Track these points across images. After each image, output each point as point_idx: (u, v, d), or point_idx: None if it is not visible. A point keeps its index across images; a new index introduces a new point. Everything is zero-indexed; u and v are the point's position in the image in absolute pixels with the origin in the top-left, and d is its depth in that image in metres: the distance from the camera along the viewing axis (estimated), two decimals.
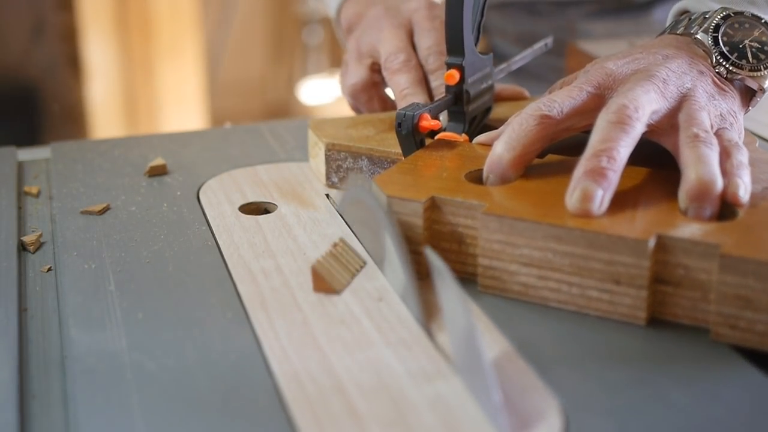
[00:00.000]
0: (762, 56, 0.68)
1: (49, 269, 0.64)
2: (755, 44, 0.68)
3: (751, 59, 0.68)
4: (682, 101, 0.64)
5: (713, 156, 0.59)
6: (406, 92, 0.78)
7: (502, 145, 0.63)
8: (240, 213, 0.70)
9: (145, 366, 0.52)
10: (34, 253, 0.67)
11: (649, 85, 0.63)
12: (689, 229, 0.55)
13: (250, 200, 0.72)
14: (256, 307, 0.57)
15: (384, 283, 0.60)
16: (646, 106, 0.61)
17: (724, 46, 0.68)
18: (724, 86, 0.67)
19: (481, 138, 0.69)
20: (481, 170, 0.63)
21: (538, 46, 0.85)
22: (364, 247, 0.64)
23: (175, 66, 2.43)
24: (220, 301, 0.58)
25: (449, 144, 0.69)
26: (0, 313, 0.58)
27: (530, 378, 0.50)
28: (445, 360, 0.52)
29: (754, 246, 0.53)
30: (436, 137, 0.70)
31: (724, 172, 0.59)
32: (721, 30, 0.68)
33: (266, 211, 0.71)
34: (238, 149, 0.83)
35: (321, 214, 0.70)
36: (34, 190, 0.76)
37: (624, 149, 0.59)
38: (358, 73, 0.84)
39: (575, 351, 0.53)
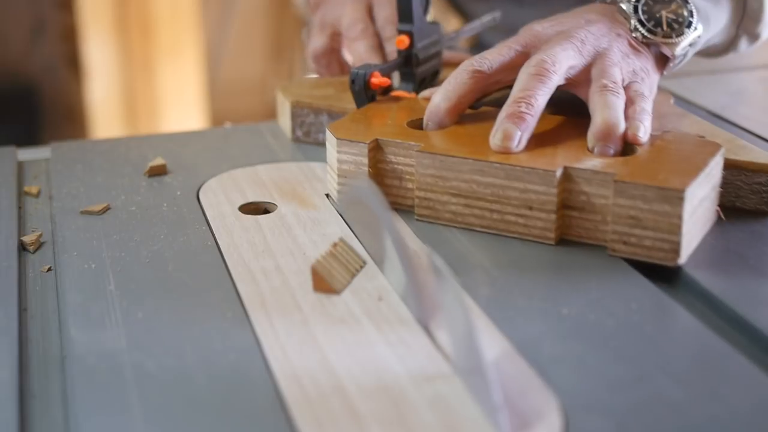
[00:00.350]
0: (675, 26, 0.75)
1: (49, 269, 0.64)
2: (671, 15, 0.75)
3: (665, 28, 0.75)
4: (597, 58, 0.72)
5: (618, 103, 0.68)
6: (364, 57, 0.86)
7: (440, 95, 0.73)
8: (240, 213, 0.70)
9: (144, 366, 0.52)
10: (34, 253, 0.67)
11: (567, 44, 0.71)
12: (591, 163, 0.64)
13: (250, 200, 0.72)
14: (255, 307, 0.57)
15: (384, 283, 0.60)
16: (564, 61, 0.70)
17: (643, 14, 0.75)
18: (639, 48, 0.74)
19: (424, 93, 0.79)
20: (421, 119, 0.73)
21: (487, 19, 0.93)
22: (364, 247, 0.64)
23: (175, 66, 2.43)
24: (220, 301, 0.58)
25: (398, 99, 0.79)
26: (0, 313, 0.58)
27: (530, 378, 0.50)
28: (445, 360, 0.52)
29: (643, 174, 0.62)
30: (390, 95, 0.80)
31: (628, 117, 0.68)
32: (642, 1, 0.75)
33: (266, 211, 0.71)
34: (238, 149, 0.83)
35: (321, 214, 0.70)
36: (34, 190, 0.76)
37: (541, 97, 0.68)
38: (319, 40, 0.92)
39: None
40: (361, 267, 0.61)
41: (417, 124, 0.73)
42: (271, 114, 2.81)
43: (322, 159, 0.80)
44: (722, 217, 0.68)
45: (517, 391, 0.49)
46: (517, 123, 0.67)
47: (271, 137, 0.86)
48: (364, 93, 0.77)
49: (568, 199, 0.64)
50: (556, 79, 0.69)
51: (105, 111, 2.39)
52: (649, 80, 0.74)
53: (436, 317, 0.55)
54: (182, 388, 0.50)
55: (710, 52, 0.86)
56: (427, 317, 0.55)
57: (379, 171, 0.70)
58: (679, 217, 0.60)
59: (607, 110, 0.67)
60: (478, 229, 0.67)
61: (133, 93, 2.41)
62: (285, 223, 0.68)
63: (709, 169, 0.64)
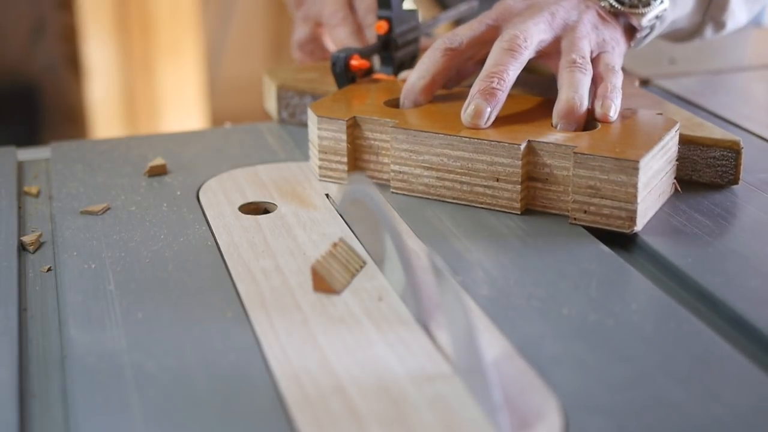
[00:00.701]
0: None
1: (49, 269, 0.64)
2: None
3: None
4: (567, 31, 0.74)
5: (584, 80, 0.71)
6: (344, 42, 0.90)
7: (415, 74, 0.76)
8: (240, 213, 0.70)
9: (144, 366, 0.52)
10: (34, 253, 0.66)
11: (539, 18, 0.74)
12: (554, 137, 0.68)
13: (250, 200, 0.72)
14: (255, 307, 0.57)
15: (384, 282, 0.60)
16: (535, 35, 0.73)
17: None
18: (608, 18, 0.76)
19: (402, 74, 0.83)
20: (398, 98, 0.77)
21: (463, 8, 0.96)
22: (364, 247, 0.64)
23: (175, 66, 2.43)
24: (220, 301, 0.58)
25: (378, 81, 0.83)
26: (0, 313, 0.58)
27: (530, 378, 0.50)
28: (445, 360, 0.52)
29: (601, 147, 0.66)
30: (371, 77, 0.84)
31: (598, 95, 0.71)
32: None
33: (266, 211, 0.71)
34: (238, 149, 0.83)
35: (321, 214, 0.70)
36: (34, 190, 0.76)
37: (513, 72, 0.72)
38: (303, 30, 0.97)
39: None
40: (361, 267, 0.61)
41: (394, 103, 0.77)
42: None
43: None
44: (679, 189, 0.72)
45: (517, 391, 0.49)
46: (488, 99, 0.70)
47: (271, 137, 0.86)
48: (345, 75, 0.82)
49: (533, 171, 0.68)
50: (527, 54, 0.72)
51: (105, 111, 2.38)
52: (619, 49, 0.76)
53: (436, 317, 0.55)
54: (182, 388, 0.50)
55: (676, 36, 0.89)
56: (427, 317, 0.55)
57: (357, 147, 0.75)
58: (635, 186, 0.64)
59: (571, 90, 0.70)
60: (449, 200, 0.71)
61: (133, 93, 2.40)
62: (285, 223, 0.68)
63: (664, 143, 0.68)
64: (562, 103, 0.70)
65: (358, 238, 0.66)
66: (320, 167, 0.75)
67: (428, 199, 0.71)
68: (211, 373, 0.51)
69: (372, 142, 0.74)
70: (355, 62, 0.82)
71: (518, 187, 0.68)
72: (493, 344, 0.53)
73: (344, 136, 0.74)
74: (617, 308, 0.57)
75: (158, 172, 0.78)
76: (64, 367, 0.53)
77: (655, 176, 0.67)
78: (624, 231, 0.65)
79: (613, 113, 0.70)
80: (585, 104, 0.70)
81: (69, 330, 0.56)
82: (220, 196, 0.73)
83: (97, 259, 0.64)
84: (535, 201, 0.69)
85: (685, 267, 0.62)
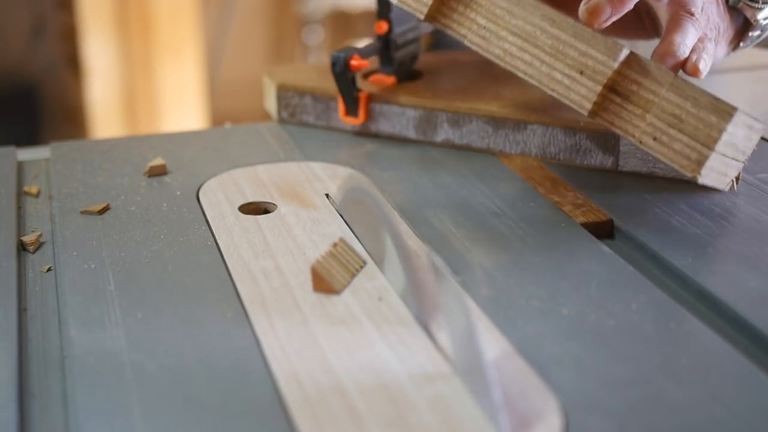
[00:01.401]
0: None
1: (49, 269, 0.64)
2: None
3: None
4: None
5: (692, 32, 0.69)
6: None
7: None
8: (240, 213, 0.70)
9: (144, 366, 0.52)
10: (33, 253, 0.66)
11: None
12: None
13: (250, 200, 0.72)
14: (255, 307, 0.57)
15: (384, 282, 0.60)
16: None
17: None
18: (724, 9, 0.74)
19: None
20: None
21: None
22: (364, 247, 0.64)
23: (175, 66, 2.43)
24: (219, 301, 0.58)
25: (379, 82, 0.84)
26: (0, 313, 0.58)
27: (530, 378, 0.50)
28: (445, 360, 0.52)
29: (698, 89, 0.64)
30: (369, 79, 0.86)
31: (696, 49, 0.69)
32: None
33: (266, 211, 0.71)
34: (238, 149, 0.83)
35: (321, 214, 0.70)
36: (33, 190, 0.76)
37: None
38: None
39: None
40: (362, 267, 0.61)
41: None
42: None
43: (322, 158, 0.80)
44: (735, 188, 0.70)
45: (517, 391, 0.49)
46: (613, 2, 0.68)
47: (271, 137, 0.86)
48: (345, 75, 0.82)
49: (619, 84, 0.65)
50: None
51: (105, 111, 2.38)
52: (717, 36, 0.73)
53: (436, 317, 0.55)
54: (182, 388, 0.50)
55: None
56: (427, 317, 0.55)
57: None
58: (720, 132, 0.62)
59: (679, 36, 0.68)
60: (521, 74, 0.67)
61: (133, 93, 2.40)
62: (285, 223, 0.68)
63: (751, 124, 0.65)
64: (666, 44, 0.68)
65: (358, 238, 0.66)
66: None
67: (499, 65, 0.68)
68: (211, 373, 0.51)
69: None
70: (355, 62, 0.81)
71: (599, 87, 0.65)
72: (493, 344, 0.53)
73: None
74: (617, 308, 0.57)
75: (158, 172, 0.78)
76: (63, 367, 0.53)
77: (733, 147, 0.65)
78: (685, 174, 0.63)
79: (703, 68, 0.68)
80: (685, 54, 0.68)
81: (69, 330, 0.56)
82: (220, 196, 0.73)
83: (97, 259, 0.64)
84: (605, 114, 0.66)
85: (685, 267, 0.62)
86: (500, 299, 0.58)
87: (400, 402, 0.48)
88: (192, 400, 0.49)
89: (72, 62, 2.33)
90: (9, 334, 0.56)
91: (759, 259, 0.63)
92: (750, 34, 0.76)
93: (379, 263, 0.61)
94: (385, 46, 0.85)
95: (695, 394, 0.49)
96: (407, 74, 0.88)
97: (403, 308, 0.57)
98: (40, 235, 0.68)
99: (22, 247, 0.67)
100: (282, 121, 0.89)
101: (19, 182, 0.78)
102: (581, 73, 0.65)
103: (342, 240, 0.62)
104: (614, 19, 0.68)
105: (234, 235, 0.67)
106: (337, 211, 0.70)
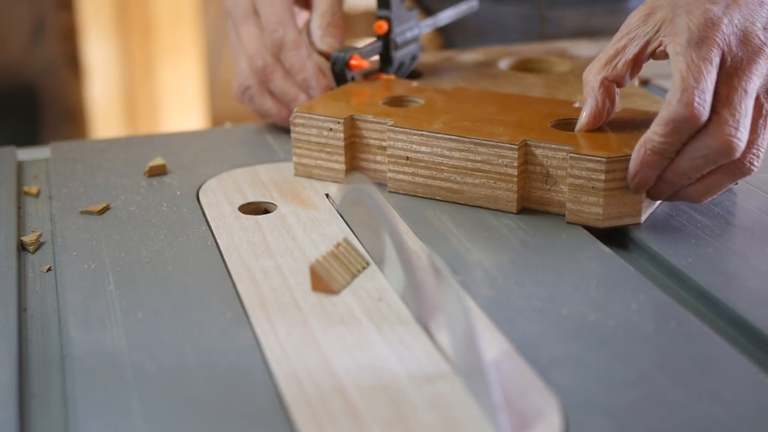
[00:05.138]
0: None
1: (49, 269, 0.64)
2: None
3: None
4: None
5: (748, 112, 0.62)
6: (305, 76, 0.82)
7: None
8: (240, 213, 0.70)
9: (144, 366, 0.52)
10: (33, 253, 0.66)
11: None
12: (550, 138, 0.68)
13: (250, 200, 0.72)
14: (255, 307, 0.57)
15: (384, 282, 0.60)
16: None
17: None
18: None
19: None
20: (397, 96, 0.78)
21: (464, 7, 0.95)
22: (364, 247, 0.64)
23: (175, 66, 2.43)
24: (219, 301, 0.58)
25: (377, 80, 0.84)
26: (0, 313, 0.58)
27: (530, 378, 0.50)
28: (445, 360, 0.52)
29: (592, 146, 0.66)
30: (370, 78, 0.84)
31: (752, 143, 0.64)
32: None
33: (266, 211, 0.71)
34: (238, 149, 0.83)
35: (321, 214, 0.70)
36: (33, 190, 0.76)
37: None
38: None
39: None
40: (364, 268, 0.61)
41: (393, 102, 0.78)
42: None
43: None
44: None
45: (517, 391, 0.49)
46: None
47: (271, 137, 0.86)
48: (344, 75, 0.82)
49: (529, 171, 0.69)
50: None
51: (105, 111, 2.38)
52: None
53: (436, 317, 0.55)
54: (182, 388, 0.50)
55: None
56: (427, 317, 0.55)
57: (353, 145, 0.75)
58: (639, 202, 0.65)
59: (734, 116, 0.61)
60: (446, 200, 0.71)
61: (133, 93, 2.40)
62: (285, 223, 0.68)
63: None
64: (722, 131, 0.62)
65: (358, 238, 0.66)
66: (314, 166, 0.75)
67: (426, 198, 0.72)
68: (211, 373, 0.51)
69: (369, 141, 0.74)
70: (355, 62, 0.82)
71: (514, 186, 0.68)
72: (493, 344, 0.53)
73: (341, 135, 0.74)
74: (617, 308, 0.57)
75: (158, 172, 0.78)
76: (64, 368, 0.53)
77: None
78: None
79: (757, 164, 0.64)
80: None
81: (69, 330, 0.56)
82: (220, 196, 0.73)
83: (97, 259, 0.64)
84: (532, 200, 0.69)
85: (685, 267, 0.62)
86: (500, 299, 0.58)
87: (400, 402, 0.48)
88: (192, 400, 0.49)
89: (72, 62, 2.33)
90: (9, 334, 0.56)
91: (759, 259, 0.63)
92: None
93: (379, 263, 0.61)
94: (384, 46, 0.86)
95: (695, 394, 0.49)
96: (407, 74, 0.89)
97: (403, 308, 0.57)
98: (40, 235, 0.68)
99: (22, 247, 0.67)
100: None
101: (19, 182, 0.78)
102: (494, 180, 0.69)
103: (346, 240, 0.62)
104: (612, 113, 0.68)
105: (234, 235, 0.67)
106: (337, 211, 0.70)
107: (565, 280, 0.60)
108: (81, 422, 0.48)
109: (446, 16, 0.94)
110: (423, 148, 0.71)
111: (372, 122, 0.73)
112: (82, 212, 0.71)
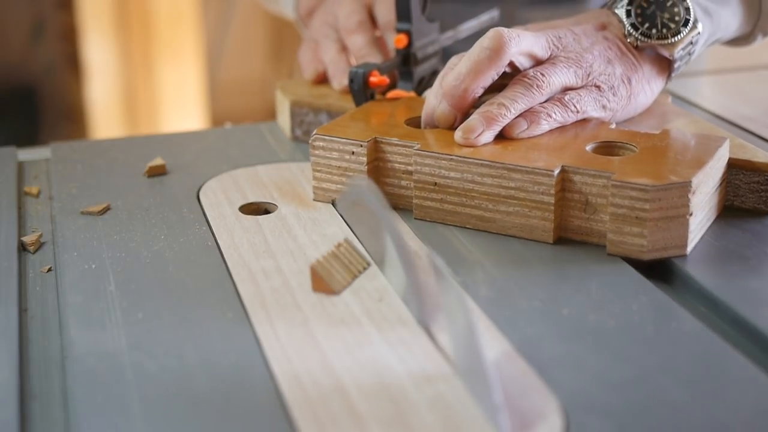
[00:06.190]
0: (672, 25, 0.73)
1: (49, 269, 0.64)
2: (666, 15, 0.73)
3: (660, 28, 0.73)
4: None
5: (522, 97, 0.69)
6: (363, 52, 0.84)
7: (433, 96, 0.71)
8: (240, 213, 0.70)
9: (145, 366, 0.52)
10: (34, 253, 0.67)
11: (541, 34, 0.71)
12: (589, 162, 0.64)
13: (251, 200, 0.72)
14: (256, 307, 0.57)
15: (384, 283, 0.60)
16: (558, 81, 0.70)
17: (636, 18, 0.74)
18: (629, 53, 0.73)
19: (427, 92, 0.75)
20: (420, 116, 0.73)
21: (485, 18, 0.91)
22: (364, 247, 0.64)
23: (175, 66, 2.43)
24: (220, 301, 0.58)
25: (398, 97, 0.79)
26: (0, 313, 0.58)
27: (530, 378, 0.50)
28: (446, 360, 0.52)
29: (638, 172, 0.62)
30: (387, 95, 0.79)
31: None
32: (635, 3, 0.74)
33: (266, 212, 0.71)
34: (238, 149, 0.83)
35: (321, 215, 0.70)
36: (34, 191, 0.76)
37: (521, 107, 0.69)
38: (332, 47, 0.88)
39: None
40: (365, 269, 0.61)
41: (416, 122, 0.73)
42: (271, 114, 2.81)
43: None
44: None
45: (518, 391, 0.49)
46: (486, 121, 0.67)
47: (271, 137, 0.86)
48: (364, 93, 0.78)
49: (566, 198, 0.64)
50: (543, 97, 0.70)
51: (105, 111, 2.38)
52: (626, 90, 0.72)
53: (437, 318, 0.55)
54: (182, 389, 0.50)
55: (722, 43, 0.84)
56: (428, 318, 0.55)
57: (377, 169, 0.70)
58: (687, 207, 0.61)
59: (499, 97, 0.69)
60: (475, 228, 0.67)
61: (133, 93, 2.40)
62: (285, 224, 0.68)
63: (714, 162, 0.64)
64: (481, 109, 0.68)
65: (358, 239, 0.66)
66: (335, 191, 0.71)
67: (455, 226, 0.67)
68: (212, 374, 0.51)
69: (394, 164, 0.70)
70: (375, 79, 0.77)
71: (551, 215, 0.64)
72: (493, 344, 0.53)
73: (364, 159, 0.69)
74: (617, 309, 0.57)
75: (157, 172, 0.78)
76: (64, 368, 0.53)
77: (706, 198, 0.64)
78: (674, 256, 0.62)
79: (475, 136, 0.67)
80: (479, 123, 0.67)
81: (69, 330, 0.56)
82: (221, 197, 0.73)
83: (98, 259, 0.64)
84: (569, 230, 0.65)
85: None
86: (500, 300, 0.58)
87: (401, 402, 0.48)
88: (192, 401, 0.49)
89: (72, 62, 2.33)
90: (9, 334, 0.56)
91: (759, 259, 0.63)
92: (674, 66, 0.75)
93: (380, 264, 0.61)
94: (404, 61, 0.81)
95: (695, 394, 0.49)
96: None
97: (403, 309, 0.57)
98: (41, 236, 0.68)
99: (22, 248, 0.67)
100: (296, 138, 0.85)
101: (20, 182, 0.78)
102: (529, 207, 0.64)
103: (346, 240, 0.62)
104: (491, 135, 0.67)
105: (234, 235, 0.67)
106: (337, 211, 0.70)
107: (565, 280, 0.60)
108: (81, 422, 0.48)
109: (468, 27, 0.90)
110: (452, 174, 0.66)
111: (397, 145, 0.69)
112: (82, 212, 0.71)
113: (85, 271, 0.62)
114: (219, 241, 0.66)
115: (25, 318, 0.59)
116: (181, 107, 2.47)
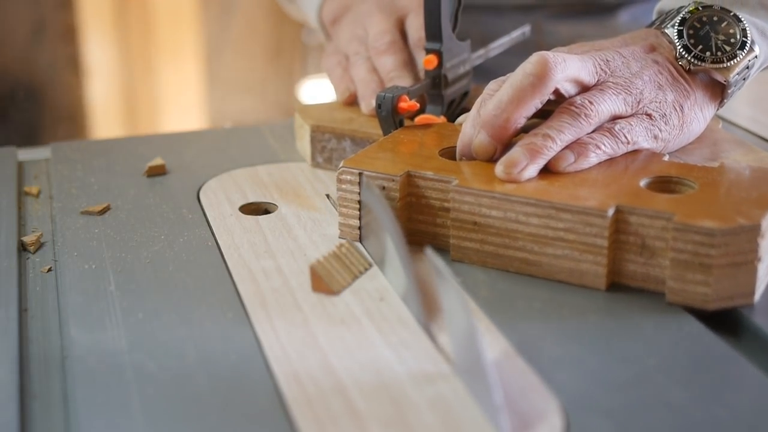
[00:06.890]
0: (727, 48, 0.68)
1: (50, 269, 0.64)
2: (721, 37, 0.69)
3: (714, 51, 0.68)
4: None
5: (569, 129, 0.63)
6: (393, 74, 0.79)
7: (470, 125, 0.65)
8: (240, 213, 0.70)
9: (145, 366, 0.52)
10: (34, 253, 0.67)
11: (587, 58, 0.66)
12: (646, 202, 0.58)
13: (251, 200, 0.72)
14: (256, 307, 0.57)
15: (385, 283, 0.60)
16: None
17: (689, 39, 0.69)
18: (681, 78, 0.68)
19: (459, 119, 0.72)
20: (454, 146, 0.66)
21: (516, 34, 0.87)
22: (364, 247, 0.64)
23: (175, 66, 2.43)
24: (220, 301, 0.58)
25: (428, 124, 0.72)
26: (0, 313, 0.58)
27: (530, 378, 0.50)
28: (446, 360, 0.52)
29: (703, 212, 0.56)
30: (416, 120, 0.73)
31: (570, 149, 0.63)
32: (687, 23, 0.69)
33: (266, 212, 0.71)
34: (238, 149, 0.83)
35: (321, 215, 0.70)
36: (34, 190, 0.76)
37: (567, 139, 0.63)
38: (363, 65, 0.83)
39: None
40: (366, 269, 0.61)
41: (450, 153, 0.67)
42: (271, 114, 2.81)
43: None
44: None
45: (518, 391, 0.49)
46: (529, 154, 0.62)
47: (272, 138, 0.86)
48: (392, 119, 0.71)
49: (621, 241, 0.58)
50: (591, 126, 0.64)
51: (105, 111, 2.39)
52: (678, 117, 0.67)
53: (437, 318, 0.55)
54: (183, 389, 0.50)
55: None
56: (428, 318, 0.55)
57: (410, 205, 0.64)
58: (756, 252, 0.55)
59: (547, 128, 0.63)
60: (519, 273, 0.61)
61: (133, 93, 2.41)
62: (285, 224, 0.68)
63: None
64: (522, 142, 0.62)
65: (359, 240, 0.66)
66: (360, 227, 0.65)
67: (497, 270, 0.61)
68: (212, 374, 0.51)
69: (429, 201, 0.63)
70: (404, 104, 0.71)
71: (604, 259, 0.58)
72: (493, 345, 0.53)
73: (397, 195, 0.63)
74: (617, 308, 0.57)
75: (157, 172, 0.78)
76: (64, 368, 0.53)
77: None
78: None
79: (518, 171, 0.61)
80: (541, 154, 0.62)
81: (69, 330, 0.56)
82: (221, 197, 0.73)
83: (98, 259, 0.64)
84: (623, 275, 0.59)
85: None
86: (501, 300, 0.58)
87: (401, 402, 0.48)
88: (192, 401, 0.49)
89: (72, 62, 2.34)
90: (10, 334, 0.56)
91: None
92: (728, 92, 0.70)
93: (380, 264, 0.61)
94: (433, 84, 0.75)
95: (695, 394, 0.49)
96: (457, 113, 0.77)
97: (403, 309, 0.57)
98: (41, 236, 0.68)
99: (22, 248, 0.67)
100: (317, 165, 0.78)
101: (20, 182, 0.78)
102: (580, 251, 0.58)
103: (348, 241, 0.62)
104: (536, 170, 0.62)
105: (234, 235, 0.67)
106: (337, 211, 0.70)
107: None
108: (81, 422, 0.48)
109: (499, 44, 0.85)
110: (494, 212, 0.60)
111: (432, 180, 0.62)
112: (82, 212, 0.71)
113: (85, 271, 0.62)
114: (219, 241, 0.66)
115: (25, 318, 0.59)
116: (181, 107, 2.47)
